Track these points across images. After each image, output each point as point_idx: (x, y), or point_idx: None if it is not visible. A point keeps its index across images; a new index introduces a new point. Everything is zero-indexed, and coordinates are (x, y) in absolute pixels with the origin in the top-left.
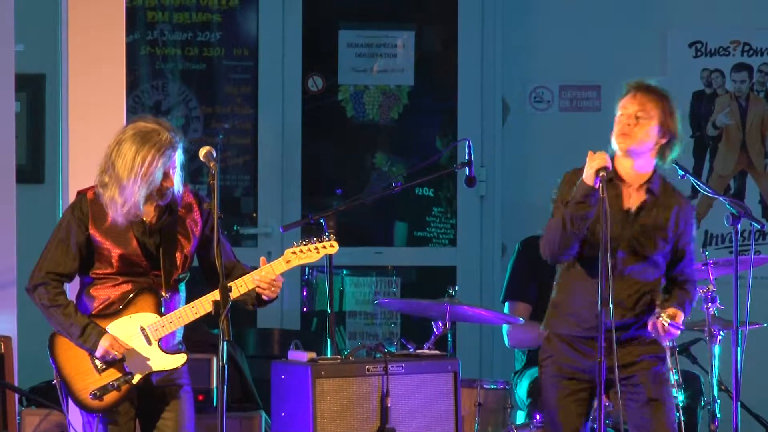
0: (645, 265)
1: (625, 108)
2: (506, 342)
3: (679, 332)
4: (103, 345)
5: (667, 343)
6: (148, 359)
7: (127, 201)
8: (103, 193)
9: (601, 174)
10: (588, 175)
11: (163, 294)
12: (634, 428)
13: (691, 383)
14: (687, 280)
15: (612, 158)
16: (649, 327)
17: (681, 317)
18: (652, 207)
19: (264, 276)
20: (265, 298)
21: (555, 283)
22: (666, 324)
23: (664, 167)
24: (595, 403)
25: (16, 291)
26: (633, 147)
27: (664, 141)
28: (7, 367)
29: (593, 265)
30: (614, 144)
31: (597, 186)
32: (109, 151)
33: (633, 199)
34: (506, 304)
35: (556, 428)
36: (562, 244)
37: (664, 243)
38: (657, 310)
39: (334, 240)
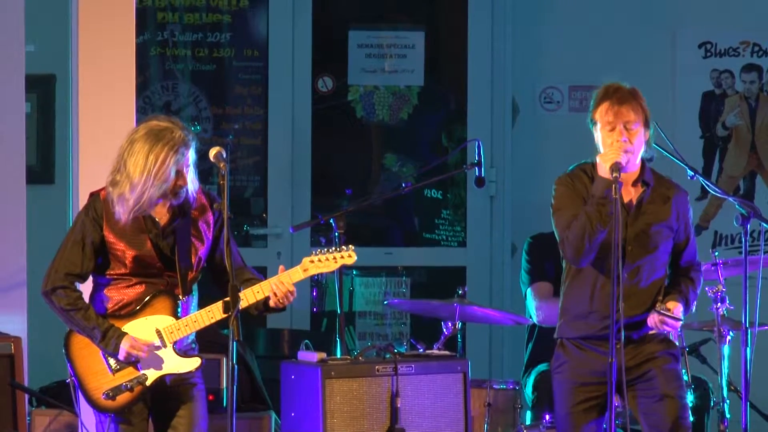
0: (652, 257)
1: (611, 123)
2: (535, 319)
3: (678, 324)
4: (124, 347)
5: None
6: (162, 361)
7: (137, 199)
8: (112, 191)
9: (614, 175)
10: (604, 171)
11: (180, 297)
12: (648, 426)
13: (699, 384)
14: (691, 266)
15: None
16: (649, 321)
17: (678, 308)
18: (652, 199)
19: (281, 285)
20: (272, 305)
21: (561, 289)
22: (661, 317)
23: (650, 149)
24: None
25: (26, 292)
26: (633, 157)
27: (648, 131)
28: (17, 368)
29: (599, 269)
30: (607, 156)
31: (613, 178)
32: (121, 151)
33: (631, 195)
34: (528, 289)
35: None
36: (590, 241)
37: (669, 233)
38: (658, 304)
39: (353, 250)
